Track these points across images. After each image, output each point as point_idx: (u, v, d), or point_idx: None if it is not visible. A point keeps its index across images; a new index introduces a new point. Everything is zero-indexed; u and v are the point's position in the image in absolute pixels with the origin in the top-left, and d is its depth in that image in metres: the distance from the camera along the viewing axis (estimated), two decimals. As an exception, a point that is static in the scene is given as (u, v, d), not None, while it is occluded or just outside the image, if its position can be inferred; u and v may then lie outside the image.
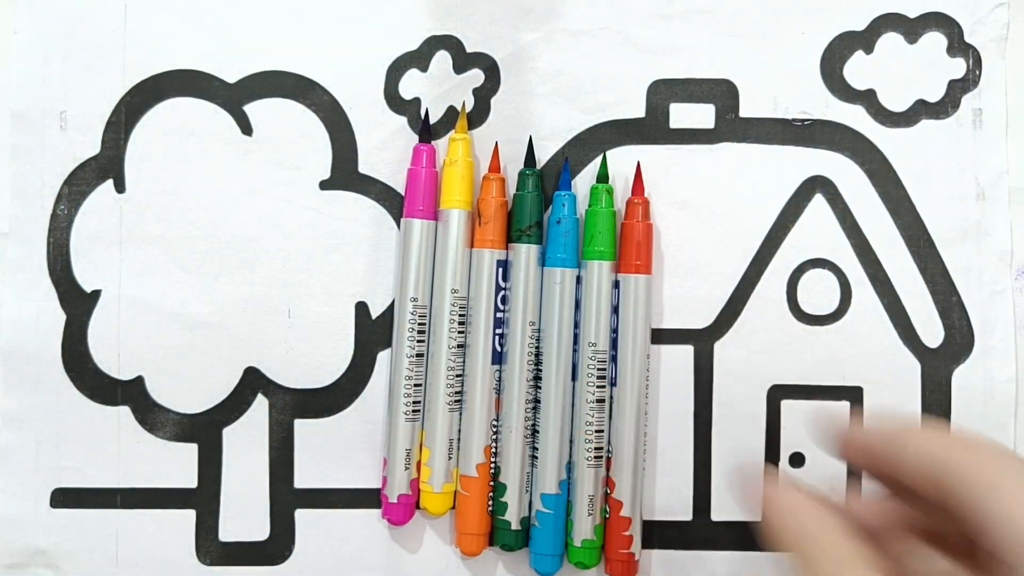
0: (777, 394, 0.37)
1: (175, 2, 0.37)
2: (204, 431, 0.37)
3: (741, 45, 0.38)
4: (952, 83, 0.38)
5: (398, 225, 0.37)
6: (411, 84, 0.38)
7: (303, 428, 0.37)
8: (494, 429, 0.36)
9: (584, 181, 0.37)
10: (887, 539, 0.25)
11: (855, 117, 0.38)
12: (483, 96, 0.38)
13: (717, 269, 0.37)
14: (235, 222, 0.37)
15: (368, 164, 0.38)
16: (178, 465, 0.37)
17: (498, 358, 0.36)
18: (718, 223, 0.37)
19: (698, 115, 0.38)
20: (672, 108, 0.38)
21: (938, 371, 0.37)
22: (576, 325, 0.36)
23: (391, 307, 0.37)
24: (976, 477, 0.21)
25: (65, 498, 0.37)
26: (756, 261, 0.37)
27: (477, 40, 0.38)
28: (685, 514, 0.37)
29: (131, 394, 0.37)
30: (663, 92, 0.38)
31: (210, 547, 0.37)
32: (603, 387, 0.36)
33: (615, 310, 0.36)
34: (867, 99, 0.38)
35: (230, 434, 0.37)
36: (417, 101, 0.38)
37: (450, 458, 0.36)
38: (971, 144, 0.38)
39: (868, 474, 0.25)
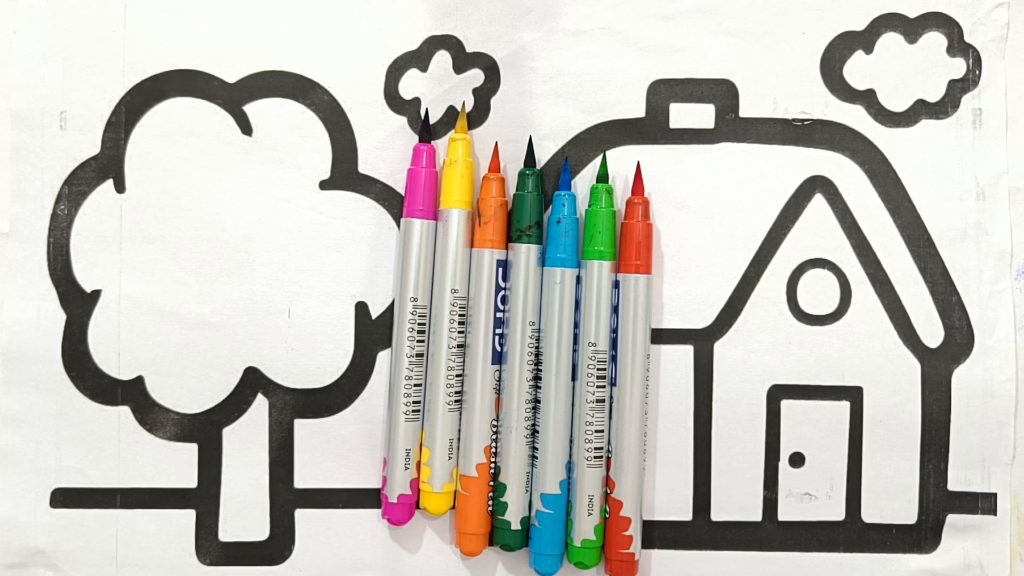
0: (777, 394, 0.37)
1: (175, 2, 0.37)
2: (204, 431, 0.37)
3: (741, 45, 0.38)
4: (952, 83, 0.38)
5: (398, 225, 0.37)
6: (411, 84, 0.38)
7: (303, 428, 0.37)
8: (494, 429, 0.36)
9: (584, 181, 0.37)
10: None
11: (855, 117, 0.38)
12: (483, 96, 0.38)
13: (717, 269, 0.37)
14: (235, 222, 0.37)
15: (368, 164, 0.38)
16: (178, 465, 0.37)
17: (498, 358, 0.36)
18: (718, 223, 0.37)
19: (698, 115, 0.38)
20: (672, 108, 0.38)
21: (938, 371, 0.37)
22: (576, 325, 0.36)
23: (391, 307, 0.37)
24: None
25: (65, 498, 0.37)
26: (756, 261, 0.37)
27: (477, 40, 0.38)
28: (685, 514, 0.37)
29: (131, 394, 0.37)
30: (663, 92, 0.38)
31: (210, 547, 0.37)
32: (603, 387, 0.36)
33: (615, 310, 0.36)
34: (867, 99, 0.38)
35: (230, 434, 0.37)
36: (417, 101, 0.38)
37: (450, 458, 0.36)
38: (971, 144, 0.38)
39: None
